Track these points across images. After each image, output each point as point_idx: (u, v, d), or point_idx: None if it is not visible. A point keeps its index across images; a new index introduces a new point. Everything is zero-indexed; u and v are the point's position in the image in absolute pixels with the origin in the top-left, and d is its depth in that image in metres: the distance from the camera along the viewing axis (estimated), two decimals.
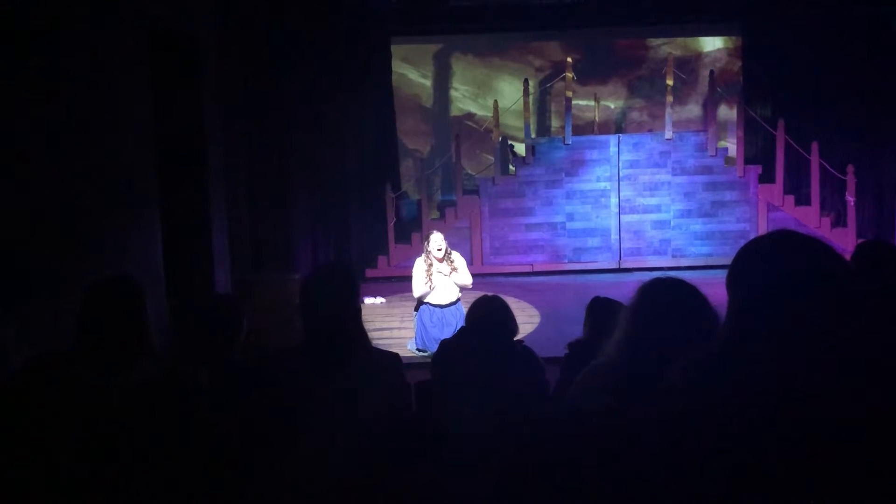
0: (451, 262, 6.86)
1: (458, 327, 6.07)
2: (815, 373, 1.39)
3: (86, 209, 4.60)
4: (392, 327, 7.98)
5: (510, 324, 3.80)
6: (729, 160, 11.09)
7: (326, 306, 2.45)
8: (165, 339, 4.77)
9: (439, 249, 6.78)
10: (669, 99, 11.03)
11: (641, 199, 10.87)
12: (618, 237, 10.90)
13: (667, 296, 2.20)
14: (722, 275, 1.57)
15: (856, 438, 1.35)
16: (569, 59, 11.76)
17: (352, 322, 2.50)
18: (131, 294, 2.62)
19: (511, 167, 12.52)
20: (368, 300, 9.01)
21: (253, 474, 2.18)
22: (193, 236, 6.23)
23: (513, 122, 14.11)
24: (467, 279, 6.87)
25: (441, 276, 6.79)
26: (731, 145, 11.83)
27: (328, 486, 2.02)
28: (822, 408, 1.37)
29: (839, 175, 10.27)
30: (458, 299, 6.87)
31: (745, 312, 1.49)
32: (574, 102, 11.80)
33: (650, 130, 13.26)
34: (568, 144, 10.89)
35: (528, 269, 10.88)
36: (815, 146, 10.37)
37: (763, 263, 1.50)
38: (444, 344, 3.98)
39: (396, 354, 2.61)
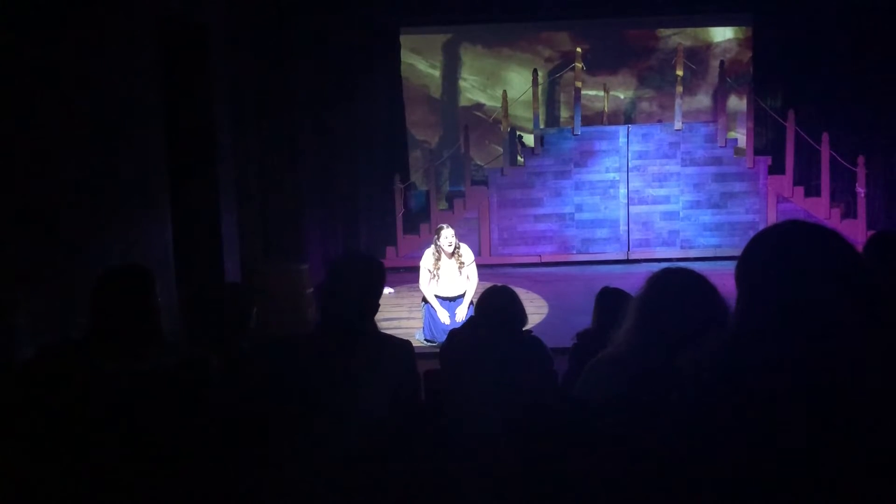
0: (460, 255, 6.87)
1: (467, 319, 6.08)
2: (826, 363, 1.38)
3: (97, 199, 4.62)
4: (400, 317, 8.00)
5: (519, 314, 3.80)
6: (738, 151, 11.05)
7: (352, 293, 2.46)
8: (176, 327, 4.80)
9: (450, 245, 6.79)
10: (679, 89, 10.98)
11: (650, 190, 10.84)
12: (626, 228, 10.88)
13: (675, 286, 2.20)
14: (731, 266, 1.57)
15: (866, 425, 1.35)
16: (578, 50, 11.72)
17: (370, 314, 2.52)
18: (141, 282, 2.64)
19: (520, 158, 12.52)
20: None
21: (263, 459, 2.20)
22: (203, 226, 6.24)
23: (522, 113, 14.09)
24: (473, 281, 6.86)
25: (449, 272, 6.81)
26: (741, 136, 11.78)
27: (338, 471, 2.04)
28: (832, 397, 1.37)
29: (849, 166, 10.22)
30: (465, 291, 6.88)
31: (755, 303, 1.49)
32: (583, 93, 11.76)
33: (660, 121, 13.22)
34: (577, 135, 10.87)
35: (536, 259, 10.88)
36: (825, 137, 10.32)
37: (773, 253, 1.50)
38: (453, 334, 3.99)
39: (409, 342, 2.62)
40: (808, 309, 1.41)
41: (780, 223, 1.55)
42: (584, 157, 10.86)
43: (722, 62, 11.51)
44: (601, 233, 10.92)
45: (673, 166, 10.80)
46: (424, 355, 5.49)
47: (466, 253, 6.95)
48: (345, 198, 10.32)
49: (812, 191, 10.79)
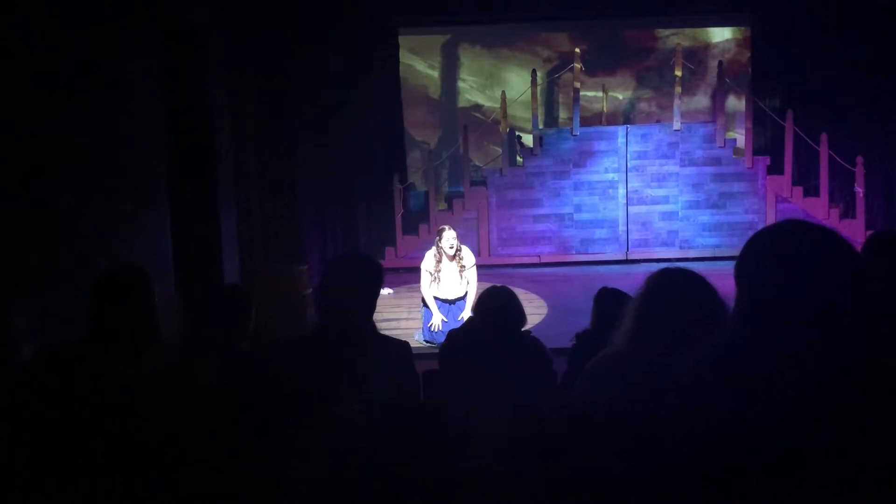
0: (461, 259, 6.86)
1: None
2: (825, 362, 1.38)
3: (96, 200, 4.62)
4: (399, 318, 8.00)
5: (518, 314, 3.80)
6: (737, 151, 11.05)
7: (349, 293, 2.46)
8: (174, 328, 4.80)
9: (451, 247, 6.78)
10: (678, 90, 10.98)
11: (649, 191, 10.85)
12: (625, 228, 10.88)
13: (674, 286, 2.20)
14: (730, 266, 1.57)
15: (865, 430, 1.34)
16: (577, 50, 11.72)
17: (367, 314, 2.52)
18: (139, 283, 2.64)
19: (519, 158, 12.51)
20: None
21: (262, 461, 2.19)
22: (202, 227, 6.24)
23: (520, 114, 14.08)
24: (473, 285, 6.84)
25: (449, 275, 6.81)
26: (740, 136, 11.78)
27: (337, 472, 2.04)
28: (831, 399, 1.36)
29: (848, 166, 10.23)
30: (466, 294, 6.88)
31: (753, 302, 1.49)
32: (582, 93, 11.76)
33: (658, 121, 13.21)
34: (576, 135, 10.87)
35: (535, 260, 10.88)
36: (824, 137, 10.32)
37: (772, 253, 1.49)
38: (452, 334, 3.99)
39: (407, 343, 2.62)
40: (806, 308, 1.41)
41: (779, 222, 1.55)
42: (583, 158, 10.86)
43: (720, 62, 11.52)
44: (600, 233, 10.92)
45: (672, 166, 10.81)
46: (423, 356, 5.49)
47: (468, 256, 6.94)
48: (344, 198, 10.32)
49: (811, 191, 10.79)
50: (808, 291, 1.41)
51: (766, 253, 1.50)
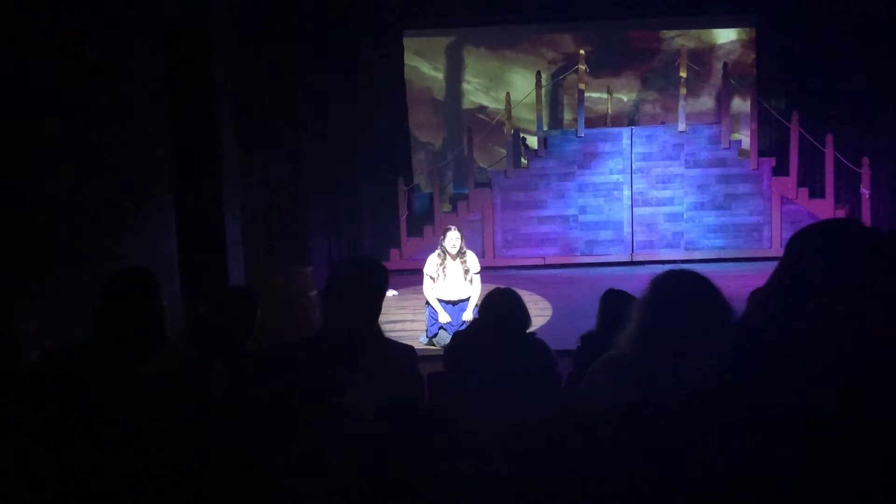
0: (465, 261, 6.87)
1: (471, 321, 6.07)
2: (844, 372, 1.36)
3: (102, 203, 4.64)
4: (404, 319, 8.00)
5: (523, 316, 3.80)
6: (742, 153, 11.04)
7: (354, 297, 2.46)
8: (180, 330, 4.81)
9: (454, 246, 6.80)
10: (683, 91, 10.97)
11: (654, 192, 10.84)
12: (630, 230, 10.87)
13: (679, 288, 2.20)
14: (735, 267, 1.56)
15: (879, 438, 1.33)
16: (581, 52, 11.72)
17: (372, 317, 2.52)
18: (146, 286, 2.64)
19: (523, 160, 12.51)
20: None
21: (267, 464, 2.20)
22: (207, 229, 6.25)
23: (525, 115, 14.09)
24: (476, 288, 6.84)
25: (454, 275, 6.82)
26: (745, 138, 11.77)
27: (342, 475, 2.04)
28: (839, 409, 1.35)
29: (854, 167, 10.20)
30: (470, 296, 6.89)
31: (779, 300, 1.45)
32: (587, 95, 11.76)
33: (663, 123, 13.22)
34: (580, 137, 10.87)
35: (540, 261, 10.88)
36: (829, 138, 10.30)
37: (833, 255, 1.44)
38: (457, 336, 3.99)
39: (411, 347, 2.62)
40: (834, 311, 1.38)
41: (839, 219, 1.48)
42: (588, 159, 10.86)
43: (725, 64, 11.51)
44: (605, 234, 10.92)
45: (677, 168, 10.79)
46: (428, 358, 5.50)
47: (472, 260, 6.94)
48: (348, 200, 10.33)
49: (816, 192, 10.77)
50: (843, 295, 1.37)
51: (828, 253, 1.44)
